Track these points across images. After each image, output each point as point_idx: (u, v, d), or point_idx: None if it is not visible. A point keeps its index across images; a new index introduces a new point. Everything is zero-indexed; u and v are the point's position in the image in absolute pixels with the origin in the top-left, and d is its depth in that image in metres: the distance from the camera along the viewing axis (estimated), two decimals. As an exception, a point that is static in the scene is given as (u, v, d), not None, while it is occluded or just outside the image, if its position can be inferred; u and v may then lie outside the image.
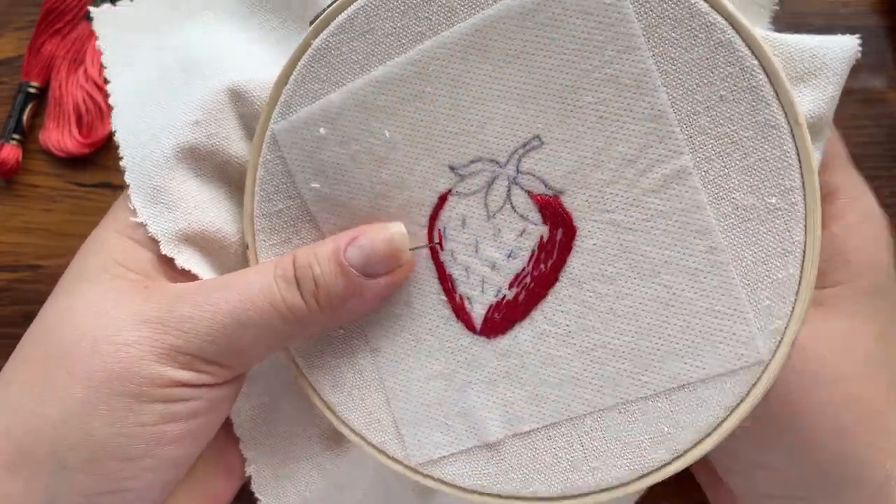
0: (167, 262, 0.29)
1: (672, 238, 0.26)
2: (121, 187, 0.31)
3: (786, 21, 0.41)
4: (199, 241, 0.30)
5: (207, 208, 0.30)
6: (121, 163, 0.30)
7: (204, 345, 0.27)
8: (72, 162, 0.43)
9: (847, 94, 0.38)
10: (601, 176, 0.26)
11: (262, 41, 0.32)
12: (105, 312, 0.27)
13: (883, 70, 0.41)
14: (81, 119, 0.40)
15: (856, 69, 0.43)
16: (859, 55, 0.27)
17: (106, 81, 0.32)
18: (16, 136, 0.42)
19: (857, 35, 0.27)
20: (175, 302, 0.27)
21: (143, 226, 0.29)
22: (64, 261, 0.31)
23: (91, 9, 0.33)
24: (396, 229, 0.28)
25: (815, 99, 0.26)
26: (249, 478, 0.33)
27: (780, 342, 0.25)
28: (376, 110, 0.27)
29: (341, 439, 0.34)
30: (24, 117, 0.42)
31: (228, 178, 0.31)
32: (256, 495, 0.33)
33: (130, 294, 0.28)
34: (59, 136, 0.42)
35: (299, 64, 0.28)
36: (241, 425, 0.33)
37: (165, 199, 0.29)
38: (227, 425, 0.32)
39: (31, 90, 0.42)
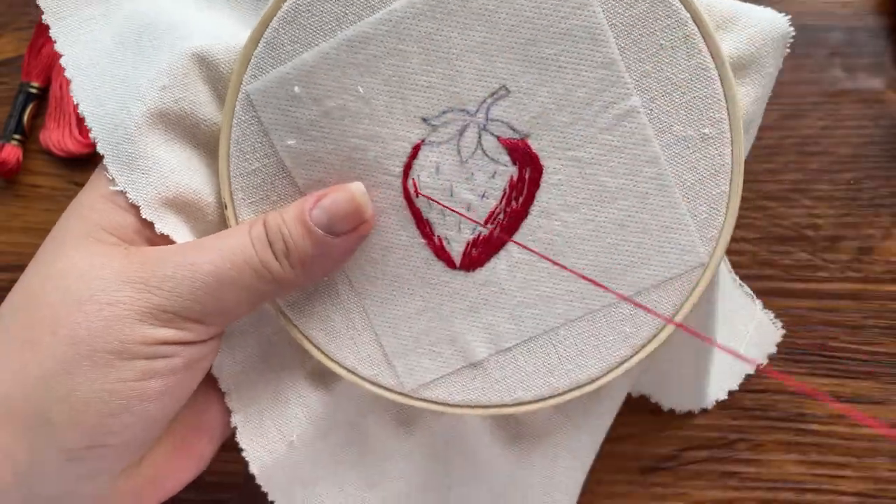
0: (149, 227, 0.30)
1: (625, 168, 0.30)
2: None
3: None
4: (178, 205, 0.30)
5: (183, 171, 0.30)
6: (90, 135, 0.30)
7: (186, 303, 0.28)
8: (72, 162, 0.43)
9: (847, 94, 0.38)
10: (562, 118, 0.29)
11: (213, 10, 0.33)
12: (88, 274, 0.28)
13: (883, 70, 0.42)
14: (82, 119, 0.40)
15: (855, 69, 0.44)
16: (786, 20, 0.31)
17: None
18: (16, 136, 0.42)
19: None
20: (157, 263, 0.28)
21: (122, 193, 0.29)
22: (64, 261, 0.31)
23: None
24: (356, 188, 0.30)
25: (735, 41, 0.30)
26: (234, 431, 0.34)
27: (716, 246, 0.31)
28: (350, 68, 0.29)
29: (327, 379, 0.35)
30: (25, 117, 0.42)
31: (199, 141, 0.31)
32: (241, 445, 0.34)
33: (113, 256, 0.28)
34: (60, 136, 0.42)
35: (270, 25, 0.29)
36: (226, 379, 0.34)
37: (141, 164, 0.30)
38: (206, 385, 0.33)
39: (32, 90, 0.42)
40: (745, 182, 0.30)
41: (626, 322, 0.31)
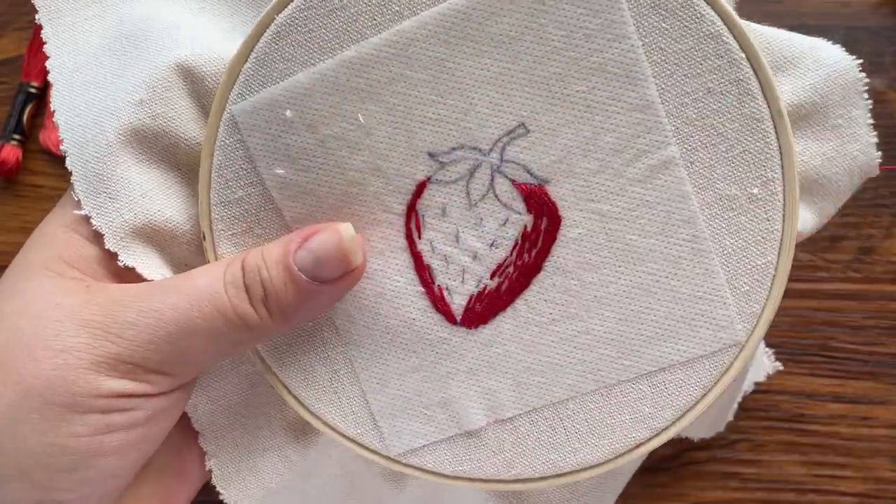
0: (113, 258, 0.27)
1: (657, 227, 0.26)
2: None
3: (786, 21, 0.41)
4: (148, 233, 0.28)
5: (155, 196, 0.27)
6: (61, 147, 0.28)
7: (147, 353, 0.25)
8: (72, 162, 0.43)
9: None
10: (588, 165, 0.26)
11: (212, 13, 0.30)
12: (43, 314, 0.25)
13: (883, 70, 0.41)
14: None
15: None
16: (860, 76, 0.27)
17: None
18: (16, 136, 0.42)
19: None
20: (117, 306, 0.25)
21: (87, 219, 0.27)
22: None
23: None
24: (345, 231, 0.26)
25: (794, 88, 0.27)
26: (210, 472, 0.32)
27: (756, 325, 0.27)
28: (349, 93, 0.26)
29: (307, 430, 0.33)
30: (25, 117, 0.42)
31: (177, 162, 0.28)
32: (218, 489, 0.32)
33: (71, 295, 0.26)
34: (60, 137, 0.42)
35: (261, 40, 0.26)
36: (200, 419, 0.31)
37: (108, 188, 0.27)
38: (182, 427, 0.31)
39: (32, 90, 0.42)
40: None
41: (645, 401, 0.27)
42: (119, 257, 0.27)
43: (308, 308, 0.27)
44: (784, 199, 0.26)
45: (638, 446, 0.28)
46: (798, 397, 0.41)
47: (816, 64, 0.27)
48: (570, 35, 0.25)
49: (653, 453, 0.42)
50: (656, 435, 0.28)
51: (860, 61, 0.27)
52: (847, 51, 0.26)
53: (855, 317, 0.42)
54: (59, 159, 0.42)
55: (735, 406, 0.39)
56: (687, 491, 0.42)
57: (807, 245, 0.41)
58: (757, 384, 0.41)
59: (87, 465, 0.26)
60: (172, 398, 0.27)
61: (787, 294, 0.42)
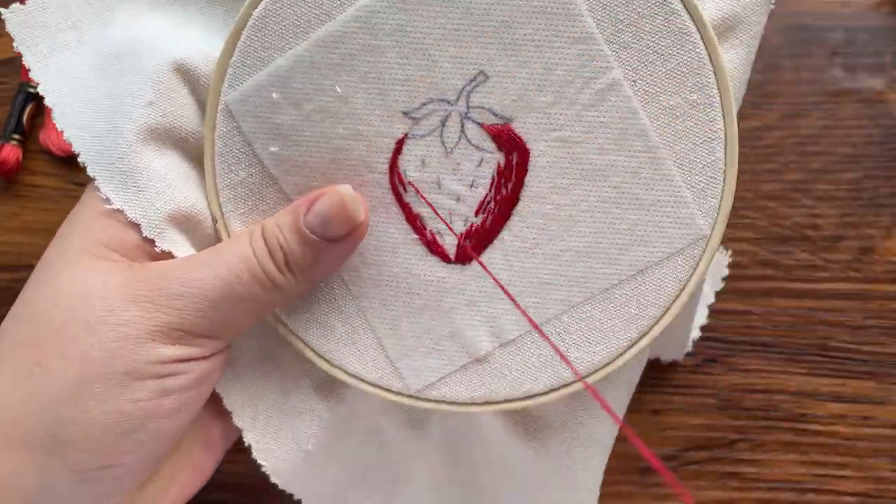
0: (150, 242, 0.29)
1: (613, 144, 0.29)
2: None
3: (786, 21, 0.41)
4: (178, 219, 0.30)
5: (179, 185, 0.30)
6: (79, 159, 0.30)
7: (196, 319, 0.28)
8: (72, 162, 0.43)
9: (847, 94, 0.38)
10: (544, 99, 0.29)
11: (188, 22, 0.33)
12: (94, 294, 0.28)
13: (883, 70, 0.42)
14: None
15: (855, 69, 0.44)
16: None
17: (34, 84, 0.31)
18: (16, 136, 0.42)
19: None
20: (162, 280, 0.28)
21: (121, 212, 0.29)
22: (64, 261, 0.31)
23: (0, 10, 0.31)
24: (346, 192, 0.29)
25: (715, 3, 0.30)
26: (249, 447, 0.34)
27: (716, 217, 0.30)
28: (325, 68, 0.29)
29: (335, 387, 0.35)
30: (25, 117, 0.42)
31: (188, 153, 0.31)
32: (259, 462, 0.33)
33: (116, 274, 0.28)
34: (60, 136, 0.42)
35: (243, 34, 0.29)
36: (230, 396, 0.33)
37: (137, 181, 0.29)
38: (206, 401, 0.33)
39: (32, 90, 0.42)
40: (745, 182, 0.30)
41: (630, 303, 0.30)
42: (156, 243, 0.29)
43: (323, 264, 0.29)
44: (721, 101, 0.29)
45: (632, 345, 0.31)
46: (798, 397, 0.41)
47: None
48: None
49: (653, 453, 0.42)
50: (645, 333, 0.31)
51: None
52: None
53: (855, 317, 0.42)
54: (59, 159, 0.42)
55: (701, 322, 0.42)
56: (687, 491, 0.42)
57: (807, 245, 0.41)
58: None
59: (145, 427, 0.28)
60: (217, 360, 0.30)
61: (787, 294, 0.43)
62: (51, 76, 0.31)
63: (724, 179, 0.29)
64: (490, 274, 0.30)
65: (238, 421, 0.33)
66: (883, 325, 0.42)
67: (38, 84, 0.31)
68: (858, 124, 0.42)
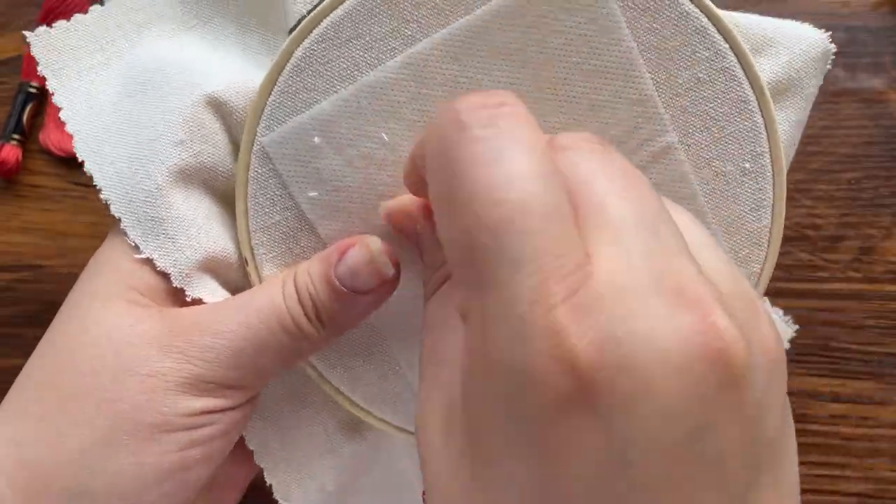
0: (181, 289, 0.29)
1: None
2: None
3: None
4: (208, 264, 0.29)
5: (208, 229, 0.29)
6: (101, 195, 0.29)
7: (226, 372, 0.27)
8: (72, 162, 0.42)
9: (847, 94, 0.38)
10: None
11: (224, 50, 0.31)
12: (124, 341, 0.27)
13: (883, 70, 0.42)
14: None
15: (855, 69, 0.44)
16: (826, 41, 0.30)
17: (58, 108, 0.30)
18: (16, 136, 0.42)
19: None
20: (194, 330, 0.27)
21: (150, 261, 0.28)
22: (64, 261, 0.31)
23: (25, 33, 0.30)
24: (374, 246, 0.28)
25: (771, 66, 0.30)
26: (270, 487, 0.33)
27: (757, 282, 0.30)
28: (372, 115, 0.28)
29: (360, 427, 0.34)
30: (25, 117, 0.42)
31: (217, 192, 0.30)
32: (281, 501, 0.33)
33: (147, 322, 0.28)
34: (60, 136, 0.42)
35: (283, 74, 0.28)
36: (253, 438, 0.33)
37: (166, 230, 0.28)
38: None
39: (32, 90, 0.42)
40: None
41: None
42: (186, 291, 0.29)
43: (353, 315, 0.29)
44: (773, 170, 0.29)
45: None
46: (798, 397, 0.41)
47: (790, 41, 0.30)
48: (570, 42, 0.27)
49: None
50: None
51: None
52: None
53: (855, 317, 0.42)
54: (60, 159, 0.42)
55: None
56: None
57: (807, 245, 0.41)
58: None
59: (172, 478, 0.27)
60: (246, 409, 0.29)
61: (787, 294, 0.42)
62: (75, 102, 0.30)
63: (768, 245, 0.30)
64: None
65: (259, 460, 0.33)
66: (883, 325, 0.42)
67: (61, 109, 0.30)
68: (858, 124, 0.42)
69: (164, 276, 0.29)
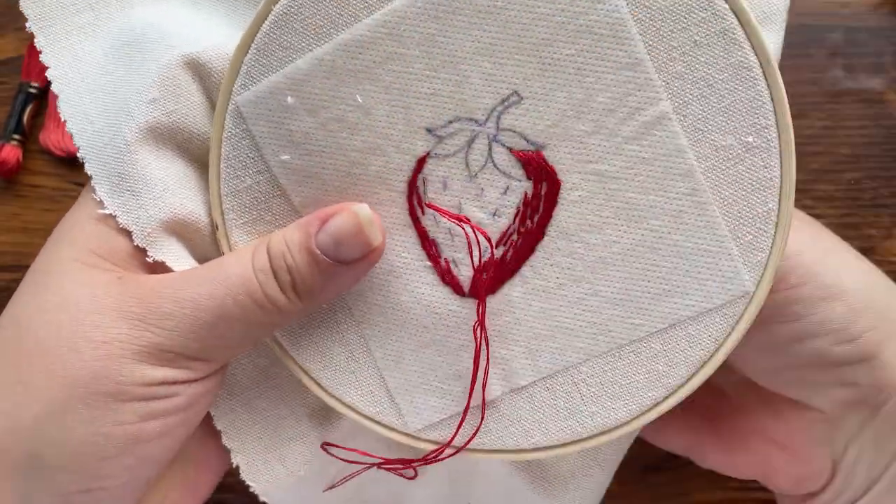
0: (143, 251, 0.28)
1: (655, 183, 0.26)
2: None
3: (786, 21, 0.41)
4: (174, 227, 0.28)
5: (176, 190, 0.28)
6: (78, 154, 0.28)
7: (186, 342, 0.26)
8: (72, 162, 0.42)
9: (847, 94, 0.38)
10: (582, 127, 0.26)
11: (210, 13, 0.31)
12: (81, 308, 0.26)
13: (883, 70, 0.41)
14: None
15: (856, 69, 0.44)
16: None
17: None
18: (16, 136, 0.42)
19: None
20: (154, 296, 0.26)
21: (113, 217, 0.28)
22: (64, 261, 0.31)
23: None
24: (362, 212, 0.27)
25: (775, 41, 0.27)
26: (237, 467, 0.32)
27: (763, 273, 0.26)
28: (346, 75, 0.26)
29: (331, 415, 0.33)
30: (25, 117, 0.42)
31: (193, 155, 0.29)
32: (248, 482, 0.32)
33: (106, 287, 0.27)
34: (60, 136, 0.42)
35: (260, 31, 0.27)
36: (222, 417, 0.32)
37: (131, 185, 0.28)
38: (204, 418, 0.31)
39: (32, 90, 0.42)
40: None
41: (658, 359, 0.27)
42: (148, 253, 0.28)
43: (333, 288, 0.27)
44: (780, 146, 0.26)
45: (655, 406, 0.28)
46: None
47: (781, 19, 0.28)
48: (555, 0, 0.25)
49: (653, 452, 0.42)
50: (672, 393, 0.28)
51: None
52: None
53: (855, 317, 0.42)
54: (59, 159, 0.42)
55: None
56: (687, 491, 0.42)
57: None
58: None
59: (131, 451, 0.26)
60: (209, 383, 0.28)
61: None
62: (62, 61, 0.29)
63: (775, 232, 0.26)
64: (481, 313, 0.27)
65: (227, 441, 0.32)
66: (883, 325, 0.42)
67: (48, 68, 0.29)
68: (858, 124, 0.42)
69: (128, 237, 0.28)
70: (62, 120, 0.29)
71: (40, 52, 0.30)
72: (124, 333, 0.26)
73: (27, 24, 0.30)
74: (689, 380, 0.28)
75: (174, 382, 0.27)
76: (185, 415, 0.28)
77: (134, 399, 0.26)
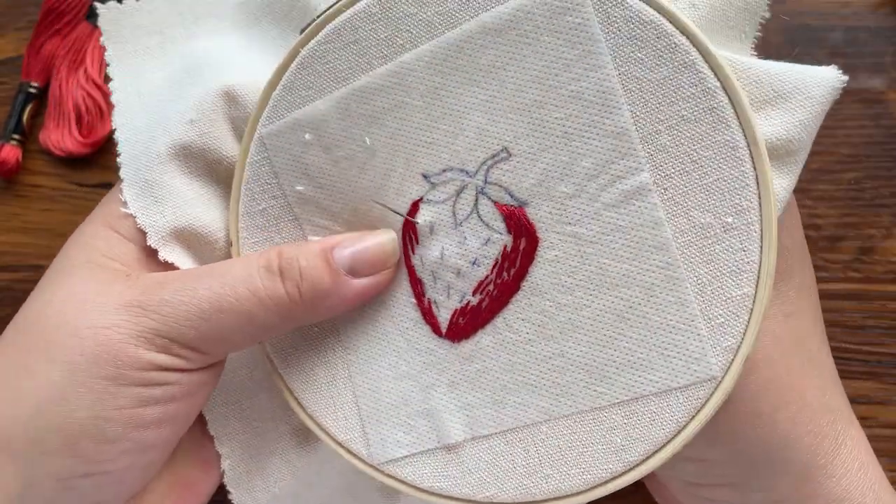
0: (151, 256, 0.30)
1: (630, 252, 0.26)
2: (122, 187, 0.31)
3: (786, 21, 0.41)
4: (186, 237, 0.31)
5: (196, 205, 0.31)
6: (118, 159, 0.31)
7: (183, 329, 0.27)
8: (72, 162, 0.43)
9: (847, 94, 0.38)
10: (565, 189, 0.27)
11: (261, 50, 0.34)
12: (86, 300, 0.28)
13: (883, 70, 0.41)
14: (81, 119, 0.40)
15: (856, 69, 0.44)
16: (843, 85, 0.27)
17: (108, 79, 0.33)
18: (16, 136, 0.42)
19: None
20: (155, 287, 0.28)
21: (131, 217, 0.30)
22: (64, 261, 0.31)
23: (97, 4, 0.33)
24: (388, 237, 0.29)
25: (784, 122, 0.26)
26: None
27: (732, 360, 0.25)
28: (358, 118, 0.29)
29: (311, 436, 0.34)
30: (25, 117, 0.42)
31: (218, 177, 0.32)
32: (228, 488, 0.34)
33: (112, 282, 0.28)
34: (60, 136, 0.42)
35: (288, 70, 0.29)
36: (215, 421, 0.34)
37: (156, 193, 0.30)
38: (203, 419, 0.33)
39: (32, 90, 0.42)
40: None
41: (617, 431, 0.27)
42: (159, 253, 0.30)
43: (336, 298, 0.28)
44: (761, 231, 0.25)
45: (612, 479, 0.27)
46: (798, 397, 0.41)
47: (808, 100, 0.26)
48: (549, 65, 0.26)
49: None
50: (630, 469, 0.27)
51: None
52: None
53: (855, 317, 0.42)
54: (59, 159, 0.42)
55: None
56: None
57: (807, 245, 0.41)
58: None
59: (129, 437, 0.27)
60: (205, 375, 0.29)
61: (787, 294, 0.42)
62: (126, 77, 0.33)
63: (748, 319, 0.25)
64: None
65: (218, 446, 0.33)
66: (883, 325, 0.42)
67: (111, 80, 0.33)
68: (858, 124, 0.42)
69: (138, 243, 0.30)
70: (112, 128, 0.32)
71: (107, 65, 0.33)
72: (124, 319, 0.27)
73: (101, 39, 0.33)
74: (646, 459, 0.26)
75: (170, 369, 0.28)
76: (181, 404, 0.28)
77: (132, 384, 0.27)
